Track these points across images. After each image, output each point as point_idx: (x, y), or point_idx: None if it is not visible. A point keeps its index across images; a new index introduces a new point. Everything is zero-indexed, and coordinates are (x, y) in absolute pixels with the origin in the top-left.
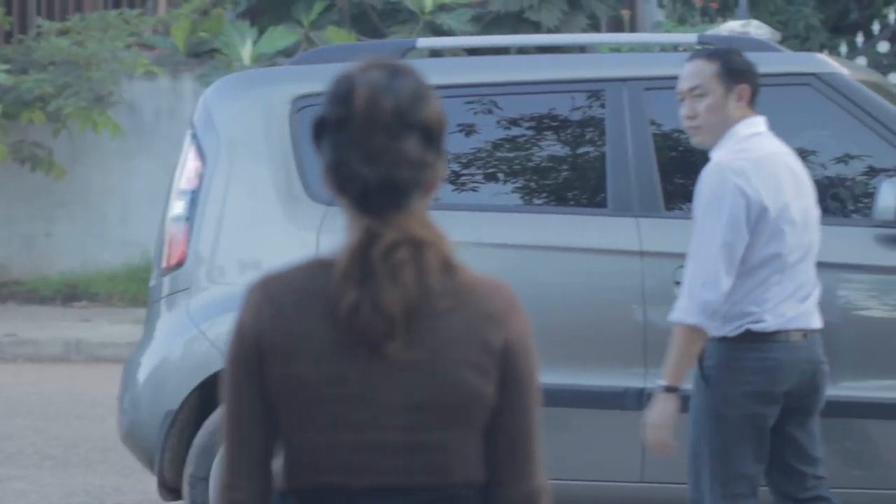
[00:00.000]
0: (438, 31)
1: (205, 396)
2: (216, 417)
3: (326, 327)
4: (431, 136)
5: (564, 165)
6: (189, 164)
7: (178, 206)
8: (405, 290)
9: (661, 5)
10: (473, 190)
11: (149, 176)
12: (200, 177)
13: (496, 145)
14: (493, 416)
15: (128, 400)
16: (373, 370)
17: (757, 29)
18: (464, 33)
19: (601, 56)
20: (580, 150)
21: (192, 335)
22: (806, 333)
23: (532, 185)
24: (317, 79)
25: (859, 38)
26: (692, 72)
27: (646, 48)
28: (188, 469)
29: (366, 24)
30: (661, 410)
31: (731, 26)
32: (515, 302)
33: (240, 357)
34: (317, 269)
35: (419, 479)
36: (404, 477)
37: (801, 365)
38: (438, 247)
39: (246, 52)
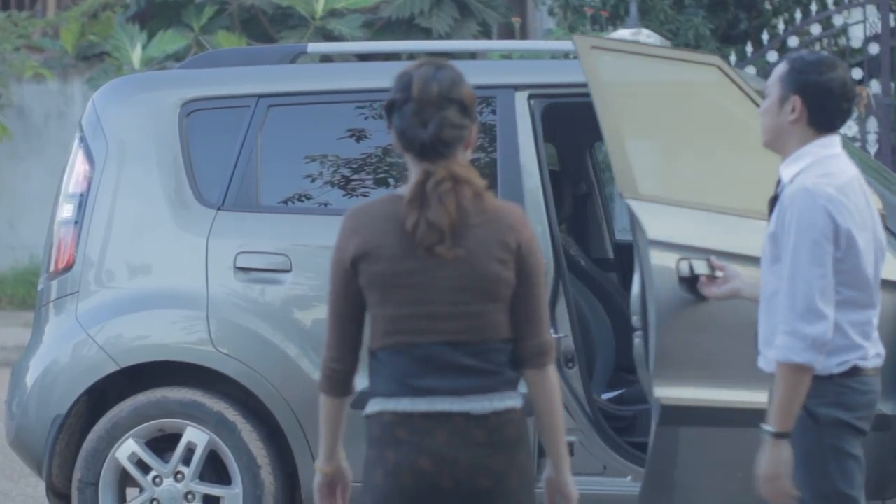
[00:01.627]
0: (329, 37)
1: (93, 401)
2: (105, 422)
3: (397, 238)
4: (465, 107)
5: None
6: (77, 168)
7: (66, 210)
8: (449, 211)
9: (551, 13)
10: (364, 195)
11: (37, 179)
12: (89, 180)
13: (387, 151)
14: (514, 293)
15: (16, 404)
16: (430, 265)
17: (647, 38)
18: (355, 39)
19: (492, 63)
20: (471, 157)
21: (80, 339)
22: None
23: None
24: (207, 83)
25: (749, 48)
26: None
27: (536, 55)
28: (77, 474)
29: (256, 29)
30: (776, 459)
31: (621, 35)
32: (524, 217)
33: (339, 263)
34: (390, 200)
35: (463, 337)
36: (453, 335)
37: (877, 398)
38: (471, 181)
39: (136, 55)
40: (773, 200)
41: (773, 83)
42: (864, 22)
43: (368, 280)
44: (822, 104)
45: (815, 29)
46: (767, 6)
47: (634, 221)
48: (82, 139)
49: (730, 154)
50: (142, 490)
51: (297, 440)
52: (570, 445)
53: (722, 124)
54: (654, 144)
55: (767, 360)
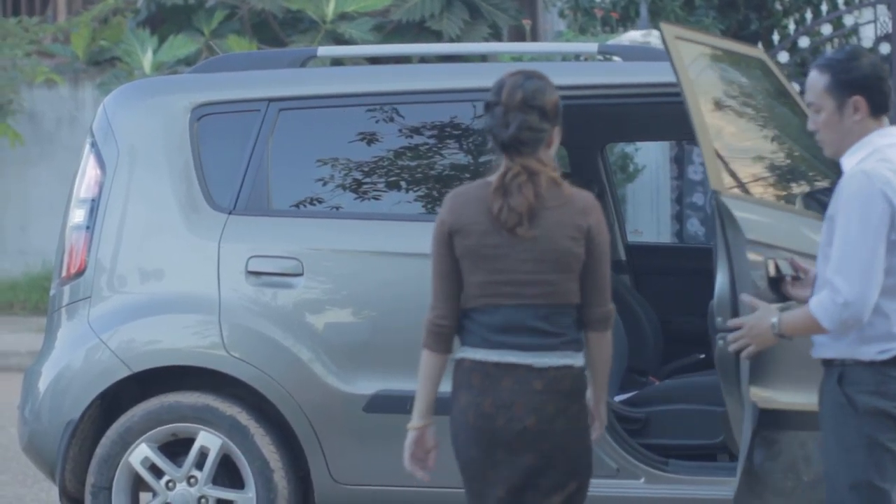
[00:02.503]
0: (340, 40)
1: (106, 406)
2: (118, 427)
3: (485, 217)
4: (546, 113)
5: (467, 175)
6: (89, 173)
7: (78, 215)
8: (527, 198)
9: (562, 15)
10: (375, 199)
11: (49, 184)
12: (100, 185)
13: (398, 154)
14: (583, 267)
15: (29, 409)
16: (512, 241)
17: (658, 39)
18: (365, 42)
19: (503, 65)
20: (482, 160)
21: (92, 344)
22: None
23: (434, 193)
24: (217, 87)
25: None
26: (808, 85)
27: (547, 58)
28: (90, 479)
29: (267, 33)
30: (764, 334)
31: (632, 36)
32: (595, 202)
33: (440, 235)
34: (482, 185)
35: (539, 300)
36: (529, 299)
37: None
38: (546, 174)
39: (147, 60)
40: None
41: (821, 97)
42: (874, 22)
43: (462, 251)
44: (880, 90)
45: (826, 29)
46: (778, 6)
47: (726, 219)
48: (93, 144)
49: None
50: (155, 494)
51: (310, 444)
52: None
53: (791, 119)
54: (737, 138)
55: (818, 345)
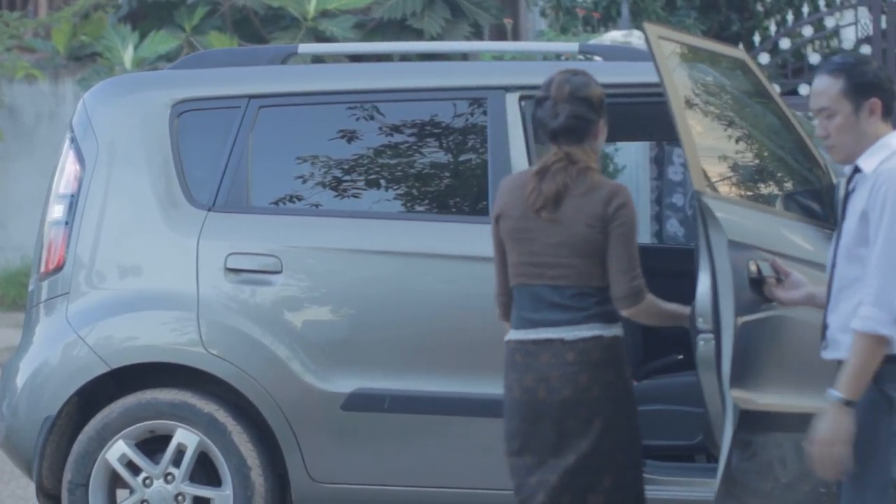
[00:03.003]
0: (321, 38)
1: (83, 402)
2: (95, 424)
3: (522, 202)
4: (592, 104)
5: (447, 173)
6: (68, 169)
7: (57, 211)
8: (556, 184)
9: (543, 14)
10: (355, 196)
11: (28, 179)
12: (79, 181)
13: (378, 152)
14: (607, 250)
15: (6, 405)
16: (540, 225)
17: (639, 39)
18: (346, 40)
19: (484, 64)
20: (462, 158)
21: (70, 340)
22: None
23: (414, 192)
24: (198, 83)
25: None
26: (818, 91)
27: (528, 57)
28: (67, 475)
29: (248, 30)
30: (838, 425)
31: (613, 36)
32: (620, 191)
33: (493, 220)
34: (526, 173)
35: (561, 282)
36: (553, 280)
37: None
38: (584, 162)
39: (127, 56)
40: (846, 197)
41: (836, 101)
42: (855, 24)
43: (504, 234)
44: (891, 91)
45: (807, 31)
46: (759, 8)
47: (708, 220)
48: (73, 140)
49: (784, 150)
50: (132, 491)
51: (288, 442)
52: None
53: (771, 121)
54: (719, 139)
55: (842, 345)
